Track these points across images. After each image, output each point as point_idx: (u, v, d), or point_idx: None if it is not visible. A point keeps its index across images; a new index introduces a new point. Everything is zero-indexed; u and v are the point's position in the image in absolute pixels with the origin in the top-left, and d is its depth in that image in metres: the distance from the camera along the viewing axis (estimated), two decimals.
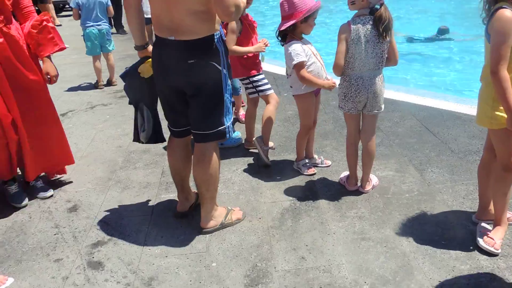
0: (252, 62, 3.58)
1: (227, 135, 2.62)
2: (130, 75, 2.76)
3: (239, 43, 3.45)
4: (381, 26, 2.65)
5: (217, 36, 2.44)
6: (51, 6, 10.81)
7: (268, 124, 3.63)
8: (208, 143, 2.61)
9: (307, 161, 3.49)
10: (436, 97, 5.09)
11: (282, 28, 3.03)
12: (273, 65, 6.33)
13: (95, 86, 6.06)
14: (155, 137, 2.84)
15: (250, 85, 3.65)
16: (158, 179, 3.48)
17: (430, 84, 6.20)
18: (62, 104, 5.35)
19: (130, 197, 3.25)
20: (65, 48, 3.19)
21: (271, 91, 3.66)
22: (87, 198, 3.27)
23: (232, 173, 3.53)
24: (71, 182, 3.52)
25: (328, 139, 4.04)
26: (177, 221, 2.92)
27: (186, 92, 2.51)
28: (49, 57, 3.10)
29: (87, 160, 3.89)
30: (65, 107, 5.31)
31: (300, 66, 3.02)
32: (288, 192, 3.21)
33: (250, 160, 3.74)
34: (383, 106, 2.93)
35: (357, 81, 2.81)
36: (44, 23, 3.02)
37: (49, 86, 3.20)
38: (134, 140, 2.92)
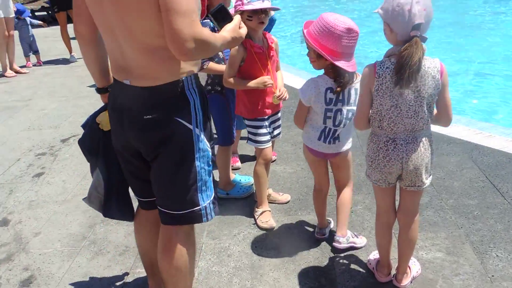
0: (253, 102, 2.76)
1: (204, 219, 1.88)
2: (89, 125, 2.09)
3: (243, 74, 2.71)
4: (406, 71, 1.75)
5: (189, 81, 1.73)
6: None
7: (257, 185, 2.92)
8: (177, 226, 1.89)
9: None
10: (505, 134, 4.04)
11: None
12: None
13: None
14: (111, 212, 2.14)
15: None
16: None
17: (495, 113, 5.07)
18: (67, 127, 4.84)
19: (99, 269, 2.60)
20: None
21: (264, 146, 2.83)
22: (48, 266, 2.64)
23: (231, 239, 2.78)
24: (40, 234, 2.93)
25: (360, 192, 3.18)
26: None
27: (144, 156, 1.81)
28: None
29: (68, 206, 3.27)
30: (69, 131, 4.75)
31: None
32: (297, 276, 2.42)
33: None
34: (428, 181, 2.04)
35: (387, 145, 1.96)
36: None
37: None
38: (83, 199, 2.22)
